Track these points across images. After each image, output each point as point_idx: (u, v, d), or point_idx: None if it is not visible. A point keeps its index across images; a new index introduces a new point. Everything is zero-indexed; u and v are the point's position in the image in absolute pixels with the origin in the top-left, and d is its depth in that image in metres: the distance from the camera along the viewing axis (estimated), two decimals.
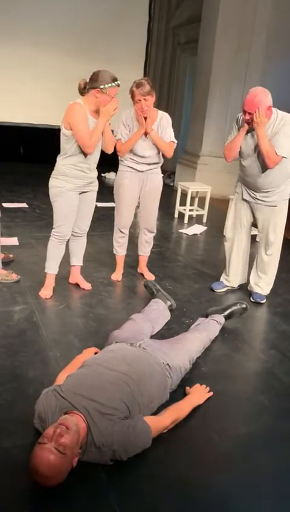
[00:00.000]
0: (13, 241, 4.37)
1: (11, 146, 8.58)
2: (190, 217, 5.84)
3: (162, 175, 3.65)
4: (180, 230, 5.35)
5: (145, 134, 3.31)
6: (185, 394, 2.28)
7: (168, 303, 3.13)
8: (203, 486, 1.80)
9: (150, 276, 3.79)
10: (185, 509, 1.71)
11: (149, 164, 3.44)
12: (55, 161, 3.10)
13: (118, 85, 2.87)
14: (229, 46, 6.67)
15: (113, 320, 3.02)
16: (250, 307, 3.24)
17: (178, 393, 2.29)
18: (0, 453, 1.87)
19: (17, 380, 2.34)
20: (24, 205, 5.76)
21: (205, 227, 5.51)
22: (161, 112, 3.40)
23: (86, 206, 3.26)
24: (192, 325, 2.93)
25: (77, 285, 3.53)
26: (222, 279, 3.71)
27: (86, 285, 3.51)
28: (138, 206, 3.66)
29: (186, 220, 5.71)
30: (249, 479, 1.86)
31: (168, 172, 7.61)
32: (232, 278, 3.63)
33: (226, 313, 3.03)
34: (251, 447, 2.04)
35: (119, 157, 3.48)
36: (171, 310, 3.12)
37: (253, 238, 3.76)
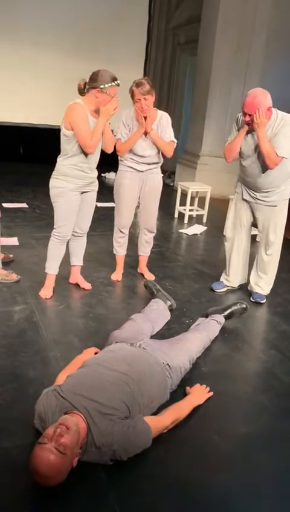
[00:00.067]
0: (13, 241, 4.37)
1: (11, 146, 8.58)
2: (190, 217, 5.84)
3: (162, 175, 3.65)
4: (180, 230, 5.35)
5: (145, 133, 3.31)
6: (185, 394, 2.28)
7: (168, 303, 3.13)
8: (203, 486, 1.80)
9: (150, 276, 3.79)
10: (185, 509, 1.71)
11: (149, 164, 3.44)
12: (55, 161, 3.10)
13: (118, 84, 2.88)
14: (229, 46, 6.67)
15: (113, 320, 3.02)
16: (250, 306, 3.24)
17: (178, 393, 2.29)
18: (0, 453, 1.87)
19: (17, 380, 2.34)
20: (24, 205, 5.76)
21: (205, 227, 5.51)
22: (160, 112, 3.40)
23: (86, 206, 3.26)
24: (192, 325, 2.93)
25: (77, 285, 3.53)
26: (222, 279, 3.71)
27: (86, 285, 3.51)
28: (138, 206, 3.66)
29: (186, 220, 5.71)
30: (249, 479, 1.86)
31: (168, 172, 7.62)
32: (233, 277, 3.63)
33: (226, 313, 3.03)
34: (251, 447, 2.04)
35: (119, 157, 3.48)
36: (171, 310, 3.12)
37: (253, 238, 3.76)
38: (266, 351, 2.89)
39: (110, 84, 2.84)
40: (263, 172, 3.15)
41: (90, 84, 2.88)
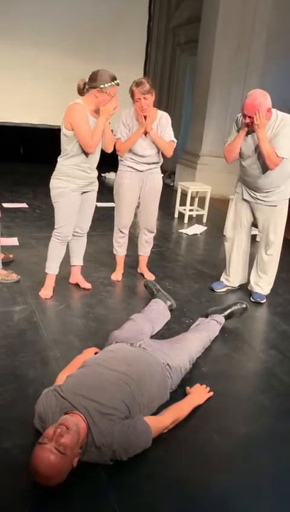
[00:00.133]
0: (13, 241, 4.37)
1: (11, 146, 8.58)
2: (190, 217, 5.84)
3: (162, 175, 3.65)
4: (180, 230, 5.35)
5: (145, 133, 3.31)
6: (185, 394, 2.28)
7: (168, 303, 3.13)
8: (203, 486, 1.80)
9: (150, 276, 3.79)
10: (185, 509, 1.71)
11: (149, 164, 3.44)
12: (55, 161, 3.10)
13: (118, 84, 2.88)
14: (229, 46, 6.67)
15: (113, 320, 3.02)
16: (250, 306, 3.24)
17: (178, 393, 2.29)
18: (0, 453, 1.87)
19: (17, 380, 2.34)
20: (24, 205, 5.76)
21: (205, 227, 5.51)
22: (160, 112, 3.40)
23: (87, 206, 3.26)
24: (192, 325, 2.93)
25: (77, 285, 3.53)
26: (222, 279, 3.71)
27: (86, 285, 3.51)
28: (137, 206, 3.66)
29: (186, 220, 5.71)
30: (249, 479, 1.86)
31: (168, 172, 7.62)
32: (233, 277, 3.63)
33: (226, 312, 3.02)
34: (251, 447, 2.04)
35: (119, 157, 3.48)
36: (171, 310, 3.12)
37: (253, 238, 3.76)
38: (266, 351, 2.89)
39: (109, 84, 2.84)
40: (263, 172, 3.15)
41: (90, 84, 2.88)
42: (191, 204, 5.91)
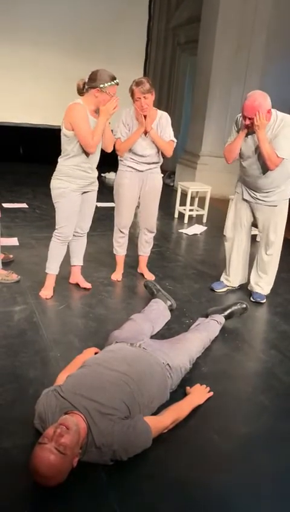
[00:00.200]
0: (13, 241, 4.37)
1: (11, 146, 8.58)
2: (190, 217, 5.84)
3: (162, 175, 3.65)
4: (180, 230, 5.35)
5: (145, 133, 3.31)
6: (185, 394, 2.28)
7: (168, 303, 3.13)
8: (203, 486, 1.80)
9: (150, 276, 3.79)
10: (185, 509, 1.71)
11: (149, 164, 3.44)
12: (55, 161, 3.10)
13: (117, 83, 2.88)
14: (229, 46, 6.67)
15: (113, 320, 3.02)
16: (250, 306, 3.24)
17: (178, 393, 2.29)
18: (1, 453, 1.87)
19: (18, 380, 2.34)
20: (24, 205, 5.76)
21: (205, 227, 5.51)
22: (160, 112, 3.40)
23: (87, 206, 3.26)
24: (192, 325, 2.93)
25: (77, 285, 3.53)
26: (222, 279, 3.71)
27: (87, 285, 3.51)
28: (137, 206, 3.66)
29: (186, 220, 5.71)
30: (249, 479, 1.86)
31: (168, 172, 7.62)
32: (233, 277, 3.63)
33: (226, 312, 3.03)
34: (251, 447, 2.04)
35: (119, 157, 3.48)
36: (171, 310, 3.12)
37: (253, 237, 3.76)
38: (266, 351, 2.89)
39: (109, 83, 2.84)
40: (264, 173, 3.15)
41: (90, 83, 2.88)
42: (191, 204, 5.91)
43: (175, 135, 3.46)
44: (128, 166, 3.44)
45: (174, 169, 7.69)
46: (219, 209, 6.07)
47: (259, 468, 1.92)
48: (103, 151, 3.15)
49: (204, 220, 5.79)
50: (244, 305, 3.10)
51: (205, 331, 2.77)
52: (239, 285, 3.70)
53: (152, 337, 2.74)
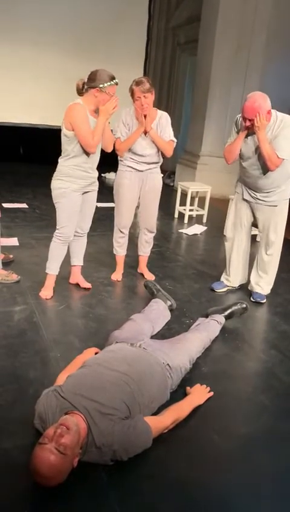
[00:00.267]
0: (13, 241, 4.37)
1: (11, 146, 8.59)
2: (190, 217, 5.84)
3: (162, 175, 3.65)
4: (180, 230, 5.35)
5: (145, 132, 3.31)
6: (185, 394, 2.28)
7: (169, 303, 3.13)
8: (203, 486, 1.80)
9: (150, 276, 3.79)
10: (185, 509, 1.71)
11: (149, 163, 3.45)
12: (55, 161, 3.10)
13: (117, 83, 2.88)
14: (229, 46, 6.67)
15: (113, 320, 3.02)
16: (250, 306, 3.25)
17: (178, 393, 2.29)
18: (1, 453, 1.87)
19: (18, 381, 2.34)
20: (24, 205, 5.76)
21: (205, 227, 5.51)
22: (160, 111, 3.40)
23: (87, 206, 3.26)
24: (192, 325, 2.93)
25: (77, 285, 3.53)
26: (222, 279, 3.71)
27: (87, 285, 3.51)
28: (137, 206, 3.66)
29: (186, 220, 5.71)
30: (249, 479, 1.86)
31: (168, 172, 7.62)
32: (233, 277, 3.64)
33: (226, 313, 3.03)
34: (251, 447, 2.04)
35: (118, 157, 3.48)
36: (171, 310, 3.12)
37: (253, 237, 3.77)
38: (266, 351, 2.89)
39: (109, 83, 2.84)
40: (264, 173, 3.15)
41: (89, 83, 2.88)
42: (191, 204, 5.91)
43: (175, 135, 3.47)
44: (128, 166, 3.44)
45: (174, 169, 7.70)
46: (219, 209, 6.07)
47: (259, 468, 1.92)
48: (102, 151, 3.15)
49: (204, 220, 5.79)
50: (244, 305, 3.10)
51: (205, 331, 2.77)
52: (239, 285, 3.71)
53: (152, 337, 2.74)
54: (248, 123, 2.98)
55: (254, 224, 3.48)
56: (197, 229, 5.42)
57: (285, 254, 3.67)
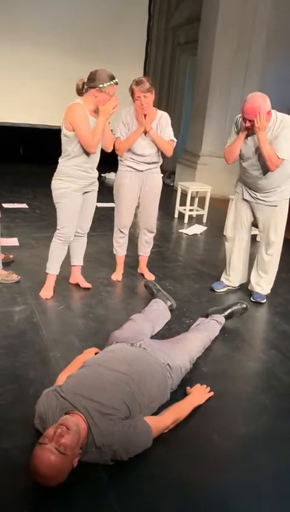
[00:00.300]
0: (13, 241, 4.37)
1: (11, 146, 8.58)
2: (190, 217, 5.84)
3: (162, 175, 3.65)
4: (180, 230, 5.35)
5: (145, 132, 3.31)
6: (185, 394, 2.28)
7: (169, 303, 3.13)
8: (203, 486, 1.80)
9: (150, 276, 3.79)
10: (185, 509, 1.71)
11: (149, 163, 3.45)
12: (55, 162, 3.10)
13: (116, 83, 2.88)
14: (229, 46, 6.67)
15: (114, 320, 3.02)
16: (250, 306, 3.25)
17: (179, 393, 2.29)
18: (1, 453, 1.87)
19: (18, 381, 2.34)
20: (24, 206, 5.76)
21: (205, 227, 5.51)
22: (160, 111, 3.40)
23: (87, 206, 3.26)
24: (192, 325, 2.93)
25: (77, 285, 3.53)
26: (222, 278, 3.71)
27: (87, 285, 3.51)
28: (137, 206, 3.66)
29: (186, 220, 5.71)
30: (249, 479, 1.86)
31: (168, 172, 7.62)
32: (233, 277, 3.64)
33: (226, 312, 3.03)
34: (251, 447, 2.04)
35: (118, 157, 3.48)
36: (171, 310, 3.12)
37: (253, 237, 3.77)
38: (266, 351, 2.89)
39: (108, 83, 2.84)
40: (264, 173, 3.15)
41: (89, 83, 2.88)
42: (191, 204, 5.91)
43: (175, 135, 3.47)
44: (128, 166, 3.44)
45: (174, 169, 7.70)
46: (219, 209, 6.07)
47: (259, 468, 1.92)
48: (102, 151, 3.15)
49: (204, 220, 5.79)
50: (244, 305, 3.10)
51: (205, 331, 2.77)
52: (239, 285, 3.71)
53: (152, 337, 2.74)
54: (248, 124, 2.98)
55: (254, 224, 3.48)
56: (197, 229, 5.42)
57: (285, 254, 3.67)
